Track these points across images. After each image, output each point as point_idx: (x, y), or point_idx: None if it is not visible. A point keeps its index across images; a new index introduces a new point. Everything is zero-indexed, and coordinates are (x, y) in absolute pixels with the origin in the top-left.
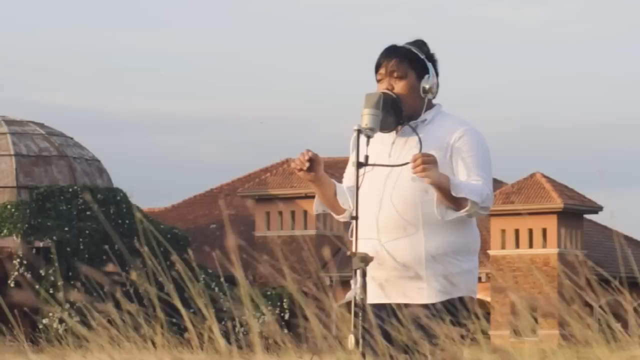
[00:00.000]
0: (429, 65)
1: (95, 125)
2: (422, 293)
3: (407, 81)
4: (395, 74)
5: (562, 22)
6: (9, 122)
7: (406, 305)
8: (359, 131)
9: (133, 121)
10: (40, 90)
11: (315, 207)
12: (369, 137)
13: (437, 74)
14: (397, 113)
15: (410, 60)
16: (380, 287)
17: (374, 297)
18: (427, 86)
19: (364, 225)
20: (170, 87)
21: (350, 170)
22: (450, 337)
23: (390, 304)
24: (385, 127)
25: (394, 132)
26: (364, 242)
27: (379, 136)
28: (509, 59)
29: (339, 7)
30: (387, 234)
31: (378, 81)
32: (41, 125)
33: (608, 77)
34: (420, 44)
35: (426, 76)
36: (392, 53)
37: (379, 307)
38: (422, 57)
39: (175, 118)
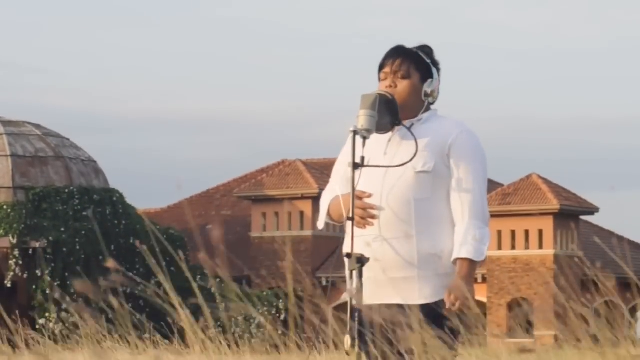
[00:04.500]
0: (434, 70)
1: (91, 126)
2: (414, 293)
3: (410, 81)
4: (399, 74)
5: (558, 24)
6: (5, 123)
7: (399, 305)
8: (355, 132)
9: (129, 122)
10: (36, 91)
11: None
12: (364, 138)
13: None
14: (392, 114)
15: (416, 63)
16: (373, 287)
17: (367, 297)
18: (429, 90)
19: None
20: (166, 88)
21: (341, 171)
22: (441, 338)
23: (382, 304)
24: (381, 128)
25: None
26: (360, 240)
27: (374, 135)
28: (505, 60)
29: (337, 9)
30: (383, 234)
31: (381, 80)
32: (37, 126)
33: (604, 78)
34: (427, 49)
35: (429, 80)
36: (398, 53)
37: (371, 307)
38: (428, 61)
39: (170, 119)
